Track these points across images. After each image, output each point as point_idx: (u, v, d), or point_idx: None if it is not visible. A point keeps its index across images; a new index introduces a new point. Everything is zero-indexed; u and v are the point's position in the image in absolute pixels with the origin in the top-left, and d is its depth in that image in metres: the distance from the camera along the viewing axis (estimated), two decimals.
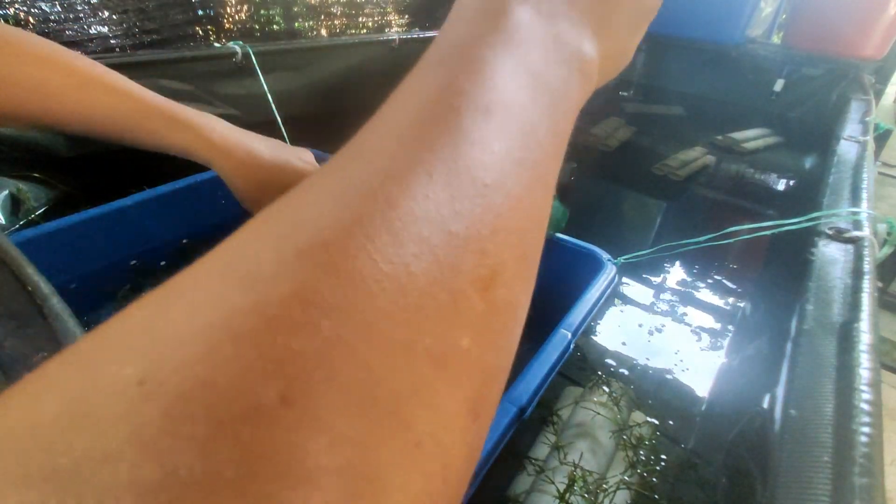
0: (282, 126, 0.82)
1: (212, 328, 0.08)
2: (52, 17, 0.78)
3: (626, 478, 0.49)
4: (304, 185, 0.11)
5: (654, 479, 0.50)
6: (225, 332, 0.08)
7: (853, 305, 0.43)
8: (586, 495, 0.47)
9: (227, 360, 0.07)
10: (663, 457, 0.53)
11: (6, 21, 0.74)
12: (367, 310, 0.09)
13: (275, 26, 1.11)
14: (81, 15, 0.81)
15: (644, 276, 0.84)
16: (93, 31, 0.83)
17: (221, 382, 0.07)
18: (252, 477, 0.07)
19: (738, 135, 1.39)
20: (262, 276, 0.09)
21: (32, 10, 0.76)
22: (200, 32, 0.99)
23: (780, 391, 0.38)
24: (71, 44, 0.81)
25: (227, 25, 1.03)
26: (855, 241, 0.53)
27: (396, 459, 0.08)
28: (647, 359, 0.66)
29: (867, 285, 0.46)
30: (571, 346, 0.45)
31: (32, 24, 0.77)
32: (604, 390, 0.58)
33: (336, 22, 1.24)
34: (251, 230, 0.10)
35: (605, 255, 0.56)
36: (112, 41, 0.86)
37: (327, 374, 0.08)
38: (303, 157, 0.47)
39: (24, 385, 0.08)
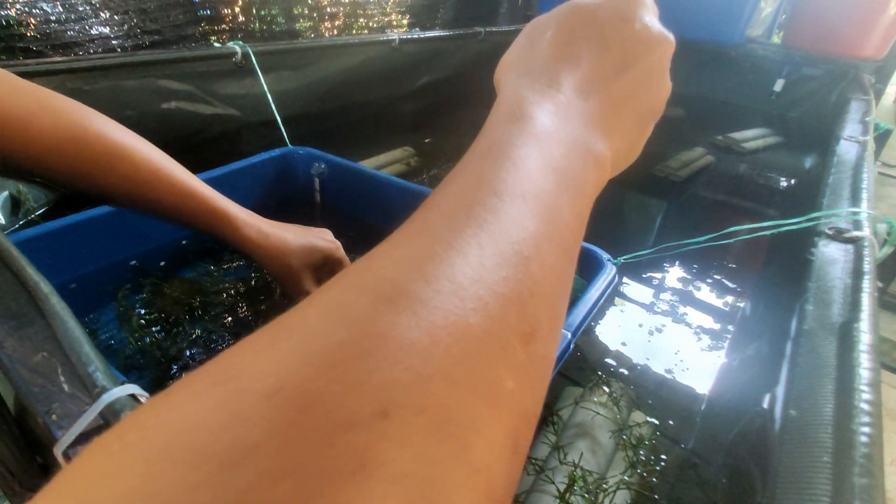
0: (282, 126, 0.82)
1: (321, 355, 0.10)
2: (53, 18, 0.78)
3: (626, 478, 0.49)
4: (381, 250, 0.13)
5: (654, 479, 0.50)
6: (330, 359, 0.10)
7: (853, 305, 0.43)
8: (586, 495, 0.47)
9: (333, 380, 0.09)
10: (663, 457, 0.53)
11: (7, 22, 0.74)
12: (437, 350, 0.11)
13: (275, 26, 1.11)
14: (83, 16, 0.81)
15: (644, 276, 0.84)
16: (94, 31, 0.83)
17: (330, 398, 0.09)
18: (354, 471, 0.09)
19: (738, 135, 1.39)
20: (356, 317, 0.11)
21: (34, 10, 0.76)
22: (200, 32, 0.99)
23: (780, 391, 0.38)
24: (72, 44, 0.81)
25: (227, 25, 1.03)
26: (855, 241, 0.53)
27: (457, 476, 0.10)
28: (647, 359, 0.66)
29: (867, 285, 0.46)
30: (571, 346, 0.45)
31: (34, 25, 0.77)
32: (604, 390, 0.59)
33: (336, 22, 1.24)
34: (341, 285, 0.12)
35: (605, 255, 0.56)
36: (113, 41, 0.86)
37: (412, 399, 0.10)
38: (324, 236, 0.54)
39: (171, 394, 0.10)
